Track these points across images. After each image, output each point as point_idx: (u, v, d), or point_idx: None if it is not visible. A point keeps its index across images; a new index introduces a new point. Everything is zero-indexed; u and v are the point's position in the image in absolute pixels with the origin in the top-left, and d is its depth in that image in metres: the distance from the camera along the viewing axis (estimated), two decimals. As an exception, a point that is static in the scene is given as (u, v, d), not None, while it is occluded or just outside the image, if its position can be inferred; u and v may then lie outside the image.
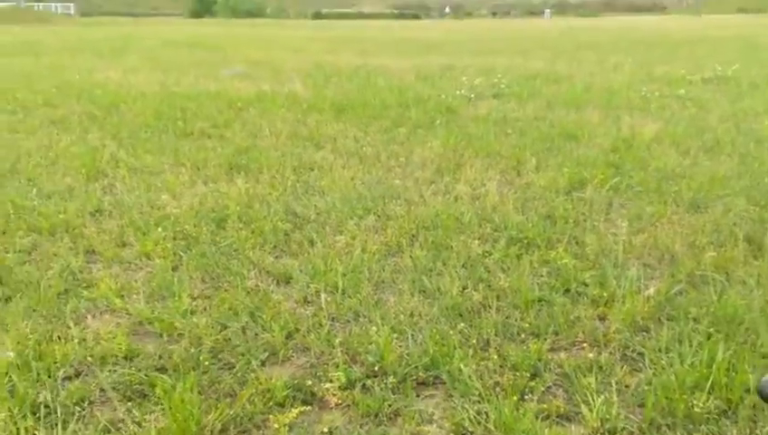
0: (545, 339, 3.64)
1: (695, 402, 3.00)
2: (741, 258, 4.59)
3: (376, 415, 3.10)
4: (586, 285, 4.22)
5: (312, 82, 14.37)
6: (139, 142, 8.41)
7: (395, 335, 3.69)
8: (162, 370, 3.40)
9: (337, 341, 3.61)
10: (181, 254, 4.80)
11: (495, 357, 3.46)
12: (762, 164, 7.13)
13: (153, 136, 8.84)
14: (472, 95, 12.13)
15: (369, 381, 3.33)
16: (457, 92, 12.38)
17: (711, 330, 3.61)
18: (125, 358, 3.51)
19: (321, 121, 9.72)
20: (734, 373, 3.17)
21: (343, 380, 3.31)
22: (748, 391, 3.09)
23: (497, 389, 3.21)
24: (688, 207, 5.76)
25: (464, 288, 4.22)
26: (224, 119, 9.91)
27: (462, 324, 3.78)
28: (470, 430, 2.93)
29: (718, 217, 5.41)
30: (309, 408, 3.16)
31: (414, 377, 3.37)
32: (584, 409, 3.01)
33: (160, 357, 3.50)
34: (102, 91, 12.75)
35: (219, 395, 3.21)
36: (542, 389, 3.23)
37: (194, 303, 4.08)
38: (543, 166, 7.11)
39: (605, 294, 4.06)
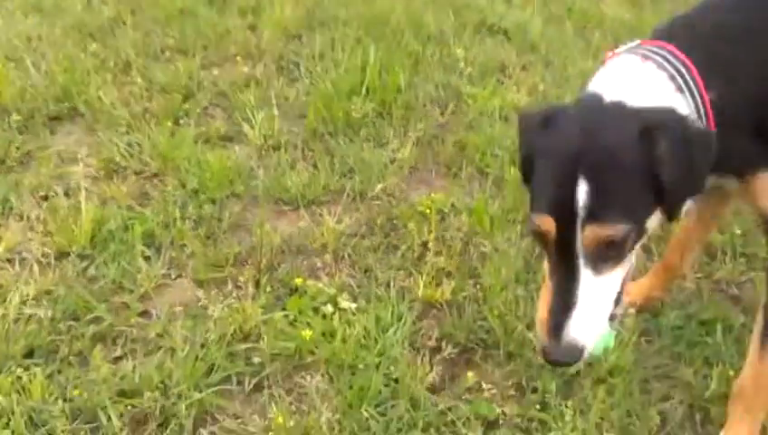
0: (194, 55, 3.28)
1: (352, 108, 2.97)
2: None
3: (2, 162, 2.57)
4: (231, -7, 3.83)
5: None
6: None
7: (11, 65, 3.03)
8: None
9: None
10: None
11: (140, 80, 3.04)
12: None
13: None
14: None
15: (-14, 123, 2.73)
16: None
17: (361, 33, 3.55)
18: None
19: None
20: (386, 75, 3.17)
21: (-50, 125, 2.66)
22: (399, 90, 3.14)
23: (147, 116, 2.84)
24: None
25: (89, 2, 3.56)
26: None
27: (94, 45, 3.23)
28: (122, 165, 2.58)
29: None
30: None
31: (44, 112, 2.84)
32: (246, 127, 2.81)
33: None
34: None
35: None
36: (199, 110, 2.94)
37: None
38: None
39: (252, 3, 3.74)
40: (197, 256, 2.18)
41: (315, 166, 2.65)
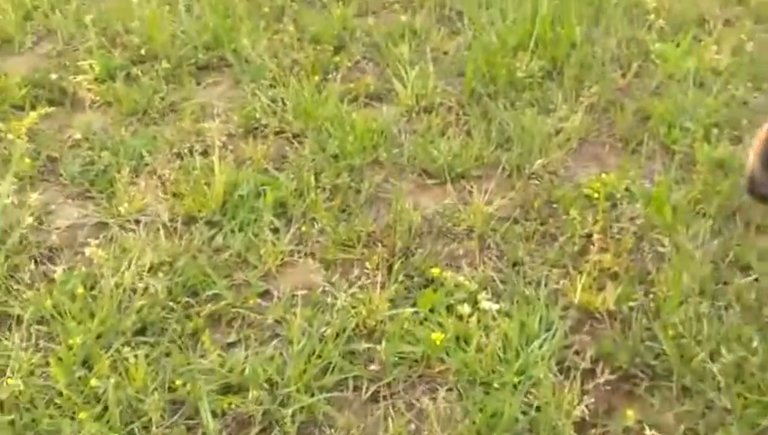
0: (350, 2, 3.05)
1: (517, 66, 2.61)
2: None
3: (145, 112, 2.49)
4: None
5: None
6: None
7: (165, 8, 2.96)
8: None
9: (88, 19, 2.81)
10: None
11: (292, 29, 2.85)
12: None
13: None
14: None
15: (134, 70, 2.67)
16: None
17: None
18: None
19: None
20: (559, 28, 2.78)
21: (99, 69, 2.62)
22: (574, 46, 2.74)
23: (295, 68, 2.65)
24: None
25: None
26: None
27: (249, -11, 3.08)
28: (263, 122, 2.41)
29: None
30: (55, 109, 2.49)
31: (193, 61, 2.74)
32: (397, 85, 2.55)
33: None
34: None
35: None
36: (349, 64, 2.71)
37: None
38: None
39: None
40: (327, 232, 1.97)
41: (469, 133, 2.35)
